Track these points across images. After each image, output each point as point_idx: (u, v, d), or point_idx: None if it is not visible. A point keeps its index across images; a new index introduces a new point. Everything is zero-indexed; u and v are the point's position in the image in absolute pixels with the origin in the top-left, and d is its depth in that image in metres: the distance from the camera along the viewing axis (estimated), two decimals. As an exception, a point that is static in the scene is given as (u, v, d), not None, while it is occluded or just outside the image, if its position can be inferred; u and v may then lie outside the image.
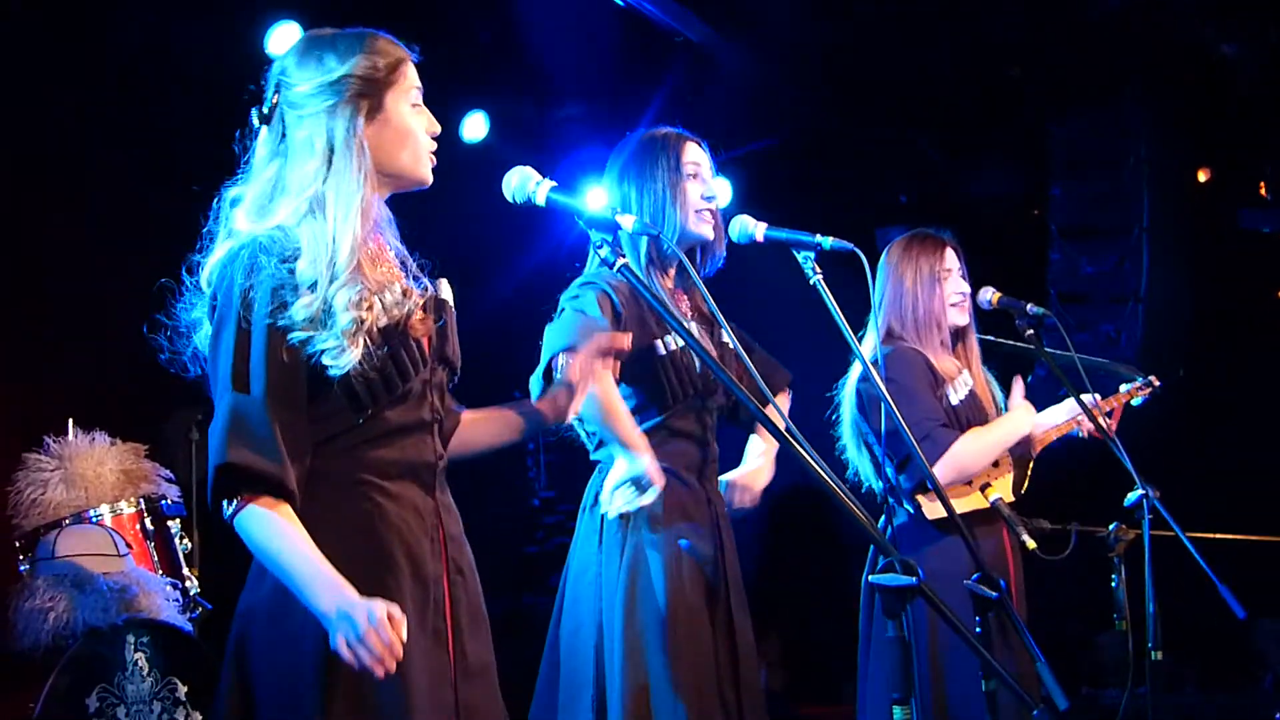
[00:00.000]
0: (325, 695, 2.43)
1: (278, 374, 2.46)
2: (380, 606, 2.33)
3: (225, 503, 2.44)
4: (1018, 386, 4.20)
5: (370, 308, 2.51)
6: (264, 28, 5.95)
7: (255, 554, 2.44)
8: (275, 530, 2.41)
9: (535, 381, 3.41)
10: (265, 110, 2.66)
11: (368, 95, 2.61)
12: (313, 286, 2.48)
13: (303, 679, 2.44)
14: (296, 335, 2.46)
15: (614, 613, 3.41)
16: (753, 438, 3.91)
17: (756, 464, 3.82)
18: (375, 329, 2.51)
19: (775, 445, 3.88)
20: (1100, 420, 4.11)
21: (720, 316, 3.03)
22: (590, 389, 3.19)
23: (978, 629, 2.74)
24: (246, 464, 2.40)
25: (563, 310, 3.50)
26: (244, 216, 2.58)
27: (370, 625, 2.30)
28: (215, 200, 2.64)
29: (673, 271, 3.66)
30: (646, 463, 3.33)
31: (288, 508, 2.43)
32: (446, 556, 2.65)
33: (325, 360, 2.46)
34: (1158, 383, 4.59)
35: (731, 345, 3.25)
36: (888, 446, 4.01)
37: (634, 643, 3.38)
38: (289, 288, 2.48)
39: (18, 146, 5.55)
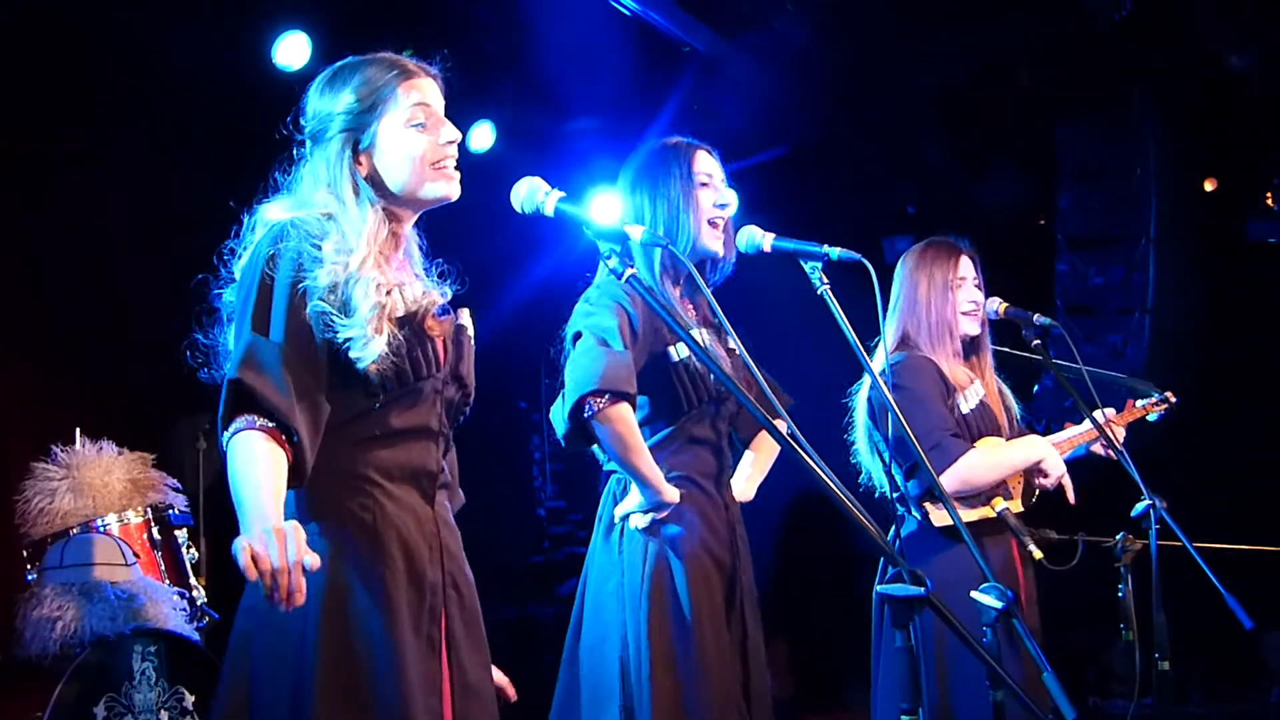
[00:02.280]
0: (320, 692, 2.46)
1: (296, 327, 2.52)
2: (275, 535, 2.27)
3: (227, 429, 2.44)
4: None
5: (389, 293, 2.58)
6: (272, 38, 5.96)
7: (229, 481, 2.42)
8: (249, 459, 2.40)
9: (559, 417, 3.42)
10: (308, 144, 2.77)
11: (355, 127, 2.70)
12: (336, 261, 2.55)
13: (299, 675, 2.47)
14: (318, 305, 2.52)
15: (639, 623, 3.40)
16: (745, 455, 3.90)
17: (742, 484, 3.84)
18: (393, 317, 2.57)
19: (763, 470, 3.89)
20: (1111, 434, 4.11)
21: (727, 324, 3.04)
22: (619, 437, 3.31)
23: (986, 639, 2.73)
24: (252, 385, 2.43)
25: (581, 335, 3.48)
26: (277, 210, 2.67)
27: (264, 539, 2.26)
28: (247, 214, 2.73)
29: (682, 281, 3.66)
30: (663, 496, 3.37)
31: (277, 448, 2.43)
32: (444, 569, 2.68)
33: (353, 353, 2.52)
34: (1173, 398, 4.60)
35: (739, 352, 3.26)
36: (897, 453, 4.01)
37: (661, 652, 3.37)
38: (313, 259, 2.55)
39: (25, 155, 5.56)
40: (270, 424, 2.43)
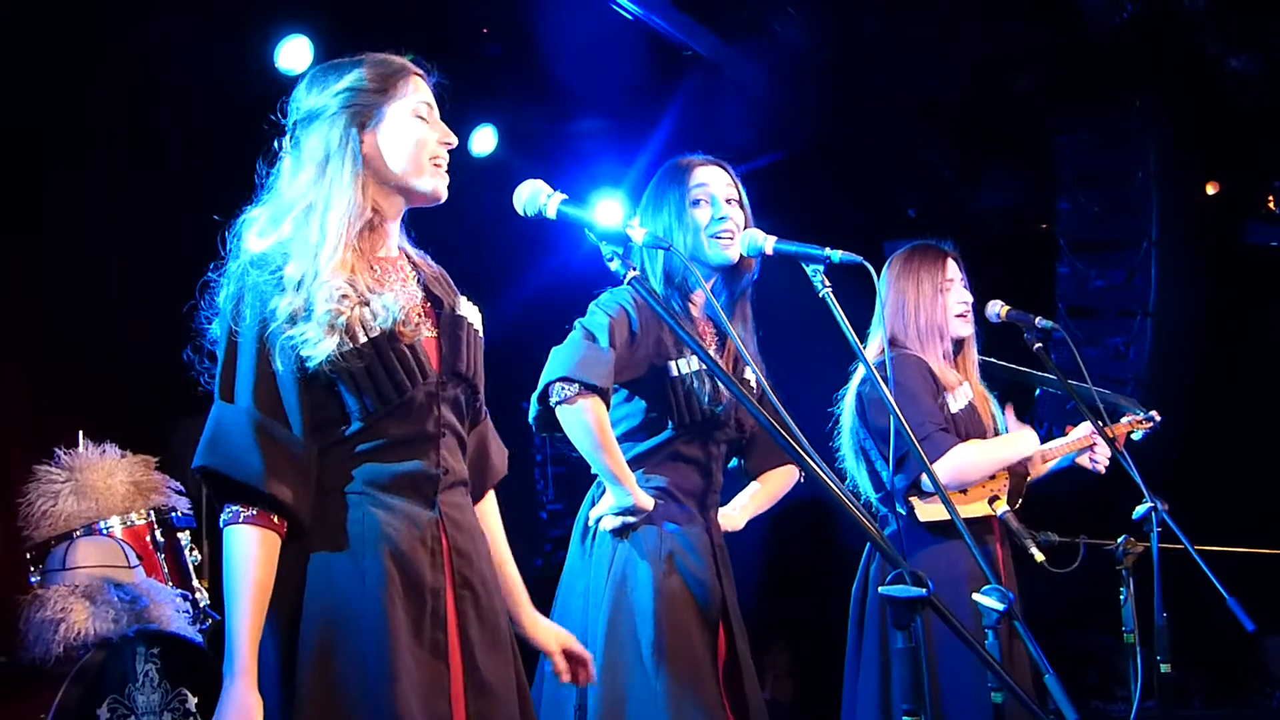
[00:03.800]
0: (300, 700, 2.45)
1: (264, 384, 2.52)
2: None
3: (222, 510, 2.50)
4: (1009, 413, 4.22)
5: (353, 305, 2.55)
6: (274, 43, 5.98)
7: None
8: (234, 566, 2.47)
9: (533, 402, 3.44)
10: (287, 138, 2.73)
11: (364, 104, 2.67)
12: (297, 286, 2.53)
13: (280, 680, 2.47)
14: (281, 338, 2.51)
15: (597, 626, 3.42)
16: (749, 485, 3.90)
17: (734, 511, 3.83)
18: (366, 337, 2.55)
19: (761, 504, 3.88)
20: (1111, 436, 4.12)
21: (746, 354, 3.03)
22: (584, 427, 3.31)
23: (988, 641, 2.73)
24: (218, 470, 2.47)
25: (573, 329, 3.50)
26: (254, 235, 2.64)
27: None
28: (232, 223, 2.69)
29: (699, 299, 3.65)
30: (634, 498, 3.38)
31: (265, 537, 2.48)
32: (451, 570, 2.65)
33: (303, 351, 2.51)
34: (1159, 418, 4.59)
35: (754, 383, 3.25)
36: (886, 447, 4.03)
37: (613, 657, 3.37)
38: (274, 293, 2.54)
39: (28, 161, 5.57)
40: (253, 511, 2.47)
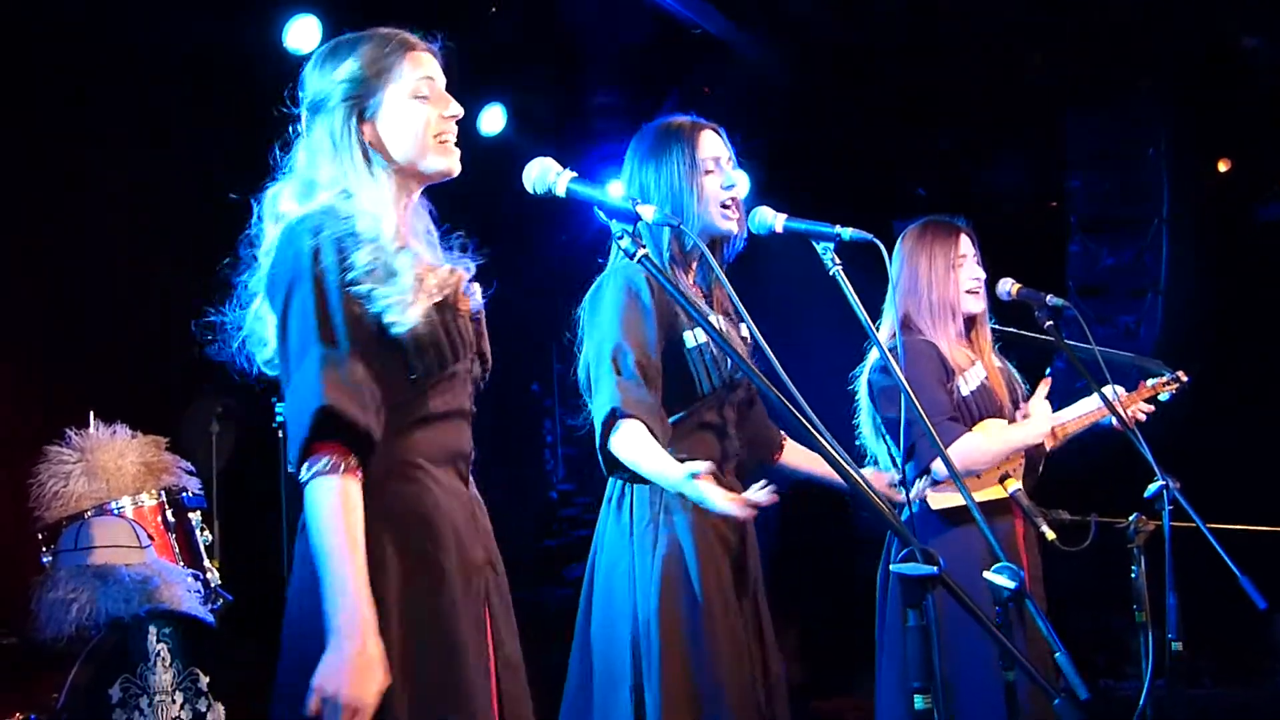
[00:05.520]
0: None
1: (356, 326, 2.48)
2: (363, 698, 2.31)
3: (306, 463, 2.40)
4: (1042, 389, 4.17)
5: (425, 273, 2.57)
6: (282, 21, 5.97)
7: (309, 527, 2.41)
8: (337, 521, 2.37)
9: (598, 453, 3.33)
10: (302, 120, 2.75)
11: (359, 96, 2.67)
12: (374, 241, 2.53)
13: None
14: (361, 289, 2.49)
15: (649, 606, 3.38)
16: (798, 460, 3.92)
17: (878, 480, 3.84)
18: (429, 296, 2.56)
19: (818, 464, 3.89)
20: (1122, 413, 4.10)
21: (744, 311, 3.02)
22: (629, 462, 3.24)
23: (997, 619, 2.73)
24: (344, 409, 2.40)
25: (599, 353, 3.38)
26: (289, 199, 2.64)
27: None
28: (255, 199, 2.70)
29: (695, 265, 3.63)
30: (717, 497, 3.27)
31: (359, 491, 2.41)
32: (484, 549, 2.69)
33: (389, 317, 2.50)
34: (1185, 378, 4.57)
35: (754, 340, 3.23)
36: (896, 437, 4.02)
37: (671, 636, 3.36)
38: (352, 242, 2.52)
39: (36, 140, 5.57)
40: (354, 461, 2.41)
